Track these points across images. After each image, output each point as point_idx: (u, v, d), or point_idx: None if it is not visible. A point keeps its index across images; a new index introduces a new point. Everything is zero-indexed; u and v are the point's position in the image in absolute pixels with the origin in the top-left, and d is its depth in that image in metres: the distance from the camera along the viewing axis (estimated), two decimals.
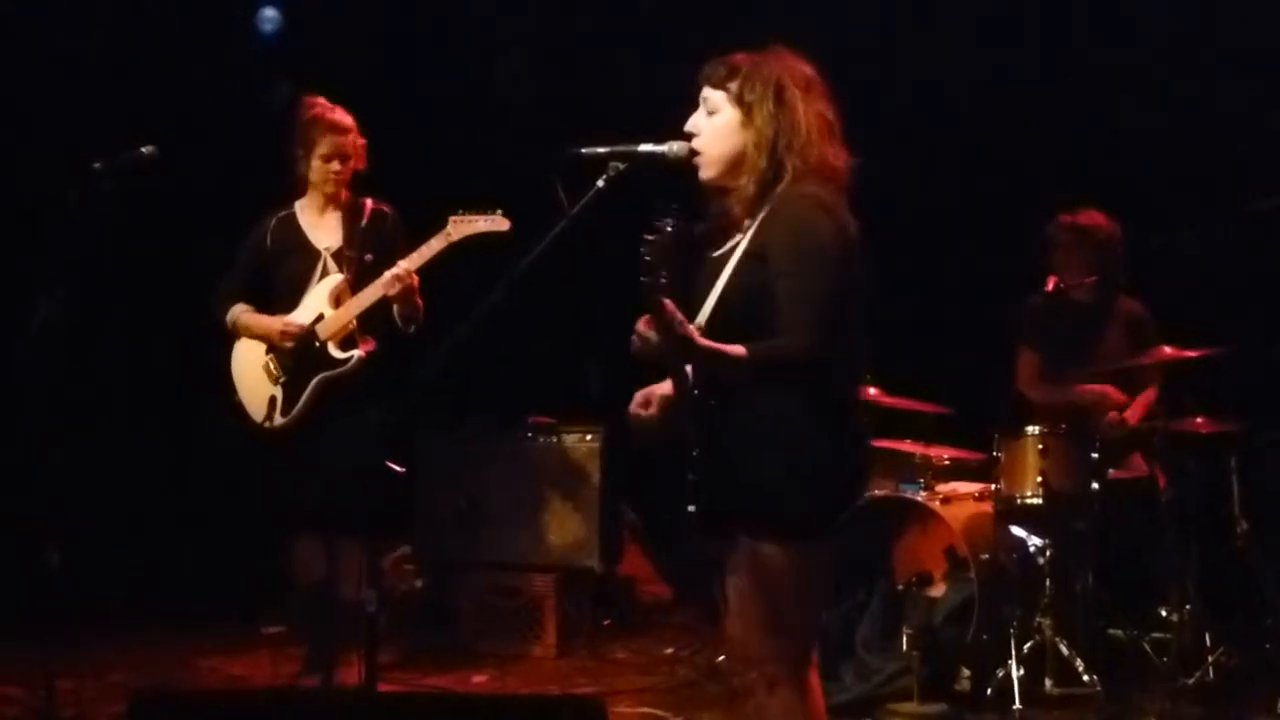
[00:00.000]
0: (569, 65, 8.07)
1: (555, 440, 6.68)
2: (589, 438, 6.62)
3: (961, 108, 7.45)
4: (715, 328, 3.50)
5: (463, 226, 5.30)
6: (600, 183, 3.58)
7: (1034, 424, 5.75)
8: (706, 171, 3.62)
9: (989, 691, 5.47)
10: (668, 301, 3.26)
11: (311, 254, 5.48)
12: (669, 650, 6.52)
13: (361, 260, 5.41)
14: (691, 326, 3.35)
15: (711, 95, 3.62)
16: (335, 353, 5.38)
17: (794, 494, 3.49)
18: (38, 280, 4.80)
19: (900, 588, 5.89)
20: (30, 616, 4.91)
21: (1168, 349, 5.59)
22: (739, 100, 3.59)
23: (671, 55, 3.89)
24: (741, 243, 3.58)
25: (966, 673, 5.62)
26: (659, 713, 5.55)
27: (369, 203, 5.52)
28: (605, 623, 6.87)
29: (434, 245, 5.31)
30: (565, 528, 6.59)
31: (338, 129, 5.43)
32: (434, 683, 6.01)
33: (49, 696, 4.87)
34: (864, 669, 5.65)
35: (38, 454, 5.38)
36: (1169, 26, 7.08)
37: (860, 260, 3.57)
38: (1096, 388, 5.98)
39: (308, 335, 5.39)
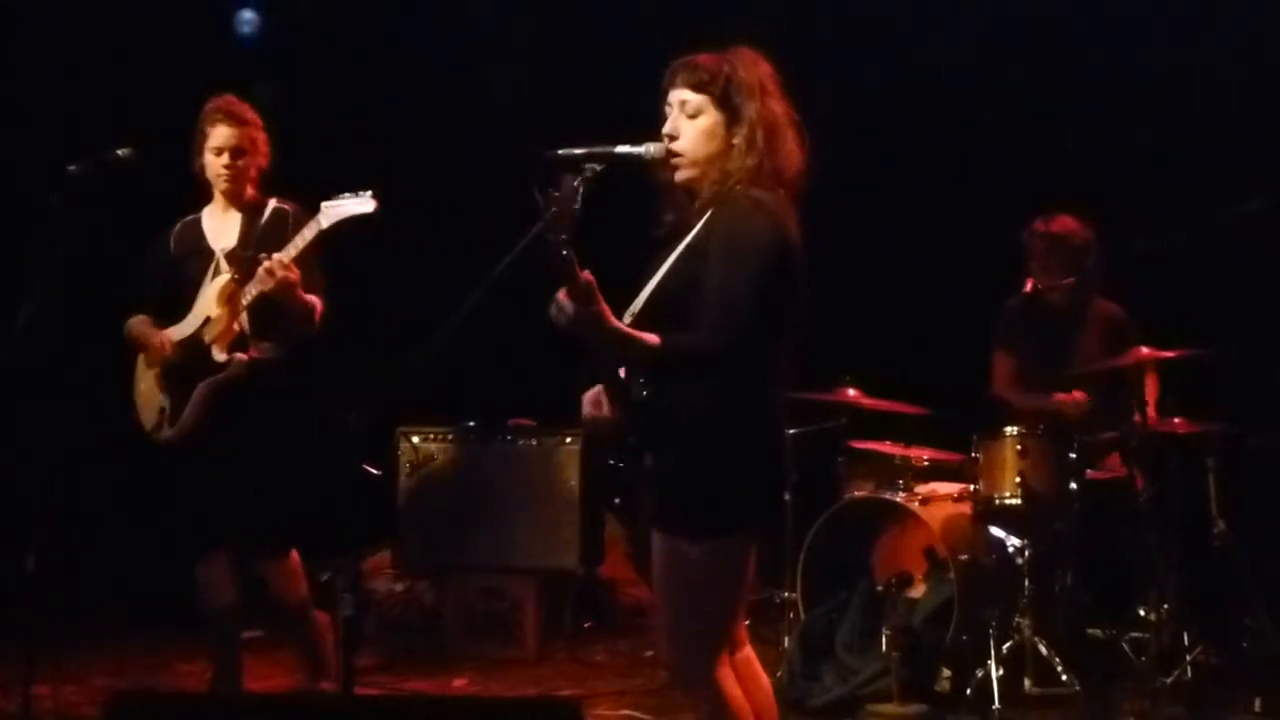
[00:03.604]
0: (553, 67, 8.07)
1: (535, 443, 6.67)
2: (569, 440, 6.61)
3: (942, 110, 7.47)
4: (646, 317, 3.55)
5: (333, 211, 4.98)
6: (576, 184, 3.58)
7: (1012, 425, 5.77)
8: (685, 173, 3.64)
9: (969, 692, 5.48)
10: (585, 272, 3.32)
11: (207, 255, 5.19)
12: (650, 653, 6.50)
13: (254, 260, 5.03)
14: (604, 306, 3.38)
15: (692, 98, 3.63)
16: (218, 356, 5.08)
17: (707, 491, 3.54)
18: (18, 283, 4.78)
19: (880, 588, 5.91)
20: (7, 621, 4.89)
21: (1144, 350, 5.61)
22: (723, 102, 3.62)
23: (653, 57, 3.89)
24: (687, 237, 3.61)
25: (946, 673, 5.63)
26: (639, 715, 5.56)
27: (272, 201, 5.23)
28: (586, 625, 6.86)
29: (306, 235, 4.99)
30: (546, 530, 6.57)
31: (231, 120, 5.13)
32: (414, 686, 6.00)
33: (26, 702, 4.85)
34: (844, 670, 5.67)
35: (15, 457, 5.36)
36: (1151, 29, 7.11)
37: (799, 268, 3.58)
38: (1065, 396, 6.00)
39: (191, 342, 5.13)
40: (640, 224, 3.79)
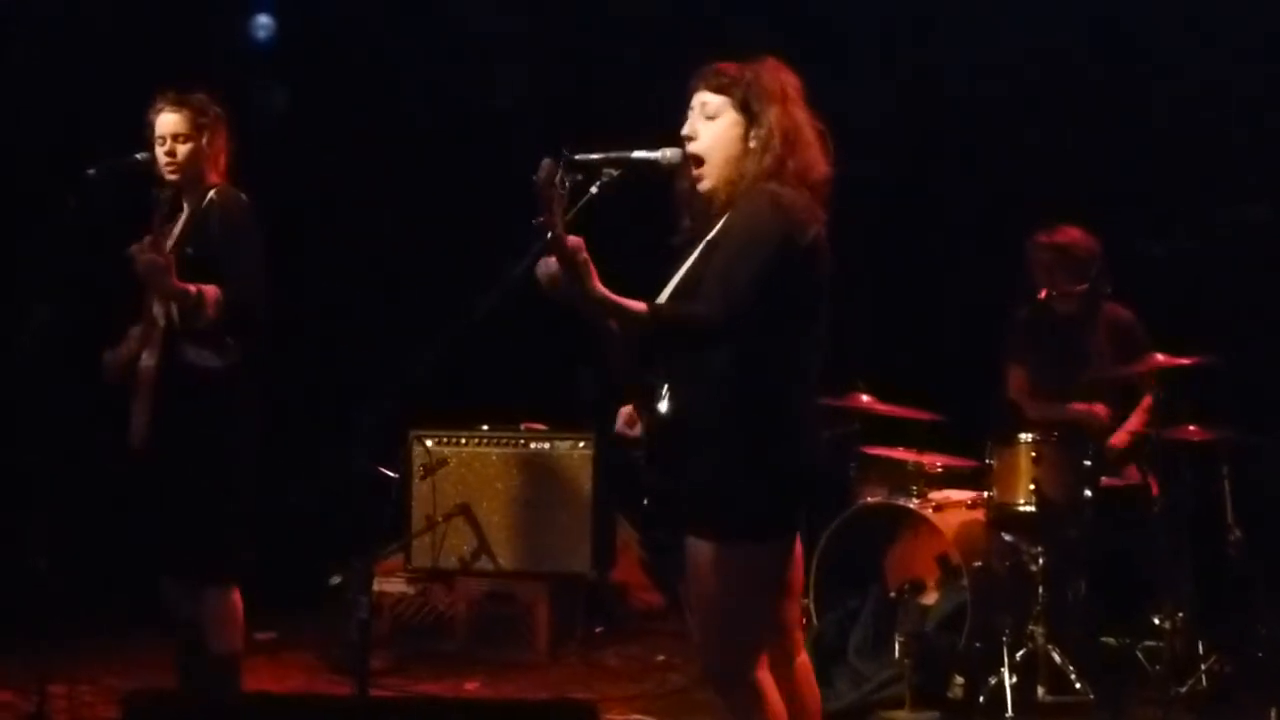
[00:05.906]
0: (565, 70, 8.07)
1: (548, 447, 6.67)
2: (581, 444, 6.61)
3: (955, 116, 7.47)
4: None
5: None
6: (594, 189, 3.59)
7: (1026, 431, 5.75)
8: (707, 181, 3.65)
9: (981, 699, 5.47)
10: (571, 238, 3.30)
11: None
12: (661, 657, 6.52)
13: (180, 257, 4.59)
14: (593, 273, 3.35)
15: (711, 100, 3.65)
16: (145, 362, 4.68)
17: (732, 493, 3.55)
18: (33, 286, 4.79)
19: (893, 595, 5.90)
20: (21, 621, 4.90)
21: (1160, 356, 5.59)
22: (743, 106, 3.63)
23: (668, 61, 3.90)
24: (708, 236, 3.63)
25: (959, 680, 5.63)
26: None
27: (212, 190, 4.75)
28: (597, 629, 6.85)
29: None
30: (557, 534, 6.57)
31: (174, 105, 4.74)
32: (426, 689, 6.00)
33: (41, 701, 4.86)
34: (856, 676, 5.66)
35: (28, 458, 5.37)
36: (1155, 34, 7.11)
37: (816, 265, 3.59)
38: (1084, 406, 5.98)
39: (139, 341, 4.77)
40: (659, 228, 3.80)
